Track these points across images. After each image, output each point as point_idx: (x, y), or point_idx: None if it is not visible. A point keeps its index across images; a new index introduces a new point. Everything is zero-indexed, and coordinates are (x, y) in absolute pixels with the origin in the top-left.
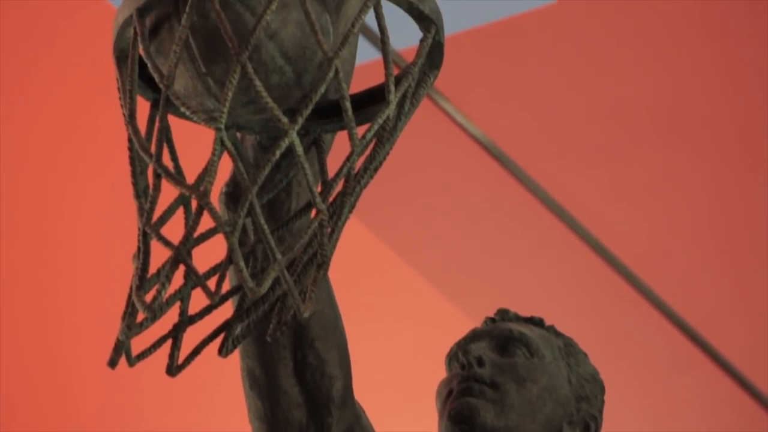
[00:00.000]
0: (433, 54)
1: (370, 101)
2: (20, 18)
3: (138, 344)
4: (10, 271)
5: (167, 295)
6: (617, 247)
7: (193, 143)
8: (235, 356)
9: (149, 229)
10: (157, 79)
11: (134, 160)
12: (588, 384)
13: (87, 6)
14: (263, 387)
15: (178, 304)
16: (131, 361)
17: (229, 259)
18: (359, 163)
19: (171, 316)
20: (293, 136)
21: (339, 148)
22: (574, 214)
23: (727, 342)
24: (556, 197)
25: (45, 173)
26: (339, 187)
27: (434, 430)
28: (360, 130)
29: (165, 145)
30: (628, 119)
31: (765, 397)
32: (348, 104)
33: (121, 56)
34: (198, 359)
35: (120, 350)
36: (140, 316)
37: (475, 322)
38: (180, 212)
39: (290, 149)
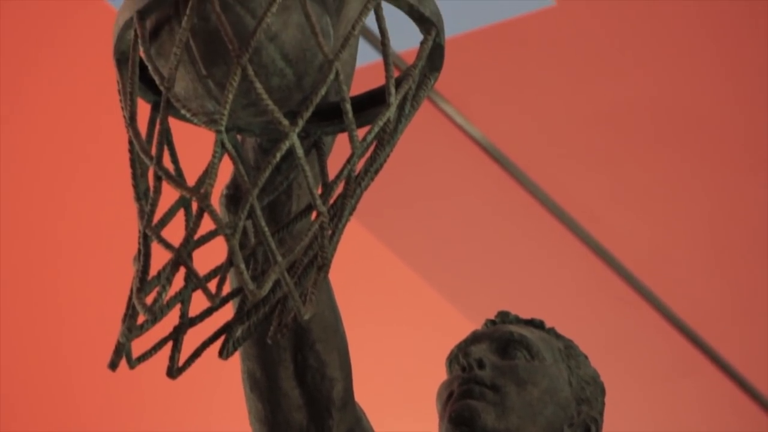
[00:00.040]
0: (433, 56)
1: (370, 103)
2: (20, 19)
3: (138, 346)
4: (10, 272)
5: (168, 298)
6: (618, 250)
7: (194, 146)
8: (236, 358)
9: (150, 232)
10: (157, 82)
11: (135, 163)
12: (588, 386)
13: (87, 7)
14: (264, 389)
15: (178, 306)
16: (132, 364)
17: (230, 262)
18: (360, 166)
19: (171, 319)
20: (294, 139)
21: (339, 150)
22: (575, 216)
23: (727, 344)
24: (557, 199)
25: (45, 175)
26: (339, 189)
27: None
28: (360, 133)
29: (166, 148)
30: (628, 121)
31: (765, 399)
32: (348, 106)
33: (121, 59)
34: (198, 361)
35: (120, 352)
36: (141, 319)
37: (475, 325)
38: (180, 215)
39: (291, 151)
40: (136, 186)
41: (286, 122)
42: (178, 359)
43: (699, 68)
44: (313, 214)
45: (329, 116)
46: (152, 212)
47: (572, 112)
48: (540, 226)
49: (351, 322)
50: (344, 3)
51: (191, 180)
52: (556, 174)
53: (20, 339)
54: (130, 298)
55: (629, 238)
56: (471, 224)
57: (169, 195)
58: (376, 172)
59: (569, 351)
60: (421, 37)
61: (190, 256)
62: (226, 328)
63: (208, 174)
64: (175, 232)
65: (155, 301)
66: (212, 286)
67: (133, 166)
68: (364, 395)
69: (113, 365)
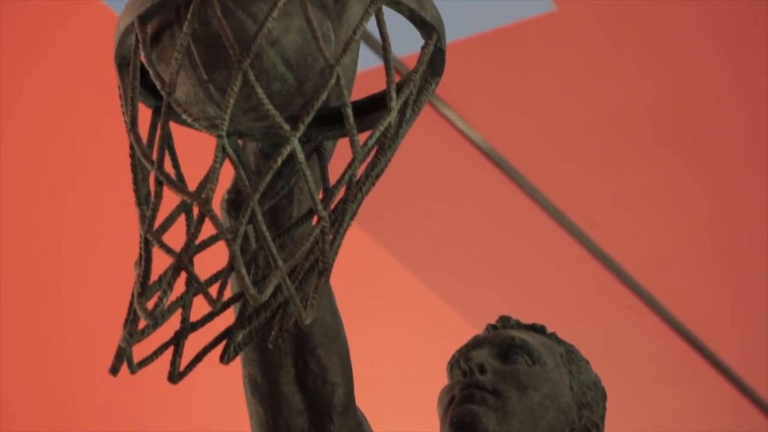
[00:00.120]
0: (434, 61)
1: (371, 108)
2: (20, 20)
3: (140, 351)
4: (11, 273)
5: (169, 303)
6: (618, 254)
7: (195, 150)
8: (237, 363)
9: (151, 237)
10: (158, 87)
11: (136, 168)
12: (590, 391)
13: (87, 8)
14: (265, 394)
15: (179, 311)
16: (133, 369)
17: (231, 267)
18: (361, 170)
19: (173, 324)
20: (295, 144)
21: (340, 155)
22: (575, 220)
23: (727, 348)
24: (557, 203)
25: (46, 178)
26: (340, 194)
27: None
28: (361, 137)
29: (167, 153)
30: (628, 126)
31: (765, 403)
32: (349, 111)
33: (122, 63)
34: (199, 365)
35: (121, 357)
36: (142, 323)
37: (476, 329)
38: (182, 219)
39: (292, 156)
40: (137, 191)
41: (287, 127)
42: (179, 364)
43: (699, 72)
44: (315, 219)
45: (330, 121)
46: (153, 217)
47: (573, 117)
48: (540, 230)
49: (352, 327)
50: (345, 8)
51: (192, 185)
52: (556, 178)
53: (21, 341)
54: (131, 303)
55: (630, 241)
56: (472, 228)
57: (170, 200)
58: (377, 176)
59: (570, 356)
60: (422, 41)
61: (191, 261)
62: (227, 333)
63: (209, 179)
64: (176, 237)
65: (156, 305)
66: (213, 291)
67: (134, 170)
68: (365, 399)
69: (114, 370)
